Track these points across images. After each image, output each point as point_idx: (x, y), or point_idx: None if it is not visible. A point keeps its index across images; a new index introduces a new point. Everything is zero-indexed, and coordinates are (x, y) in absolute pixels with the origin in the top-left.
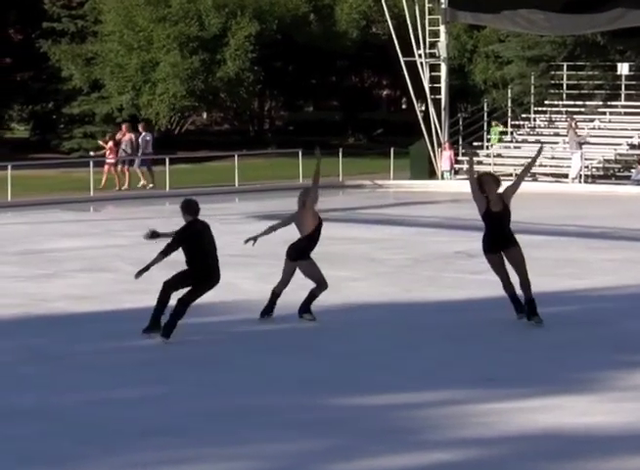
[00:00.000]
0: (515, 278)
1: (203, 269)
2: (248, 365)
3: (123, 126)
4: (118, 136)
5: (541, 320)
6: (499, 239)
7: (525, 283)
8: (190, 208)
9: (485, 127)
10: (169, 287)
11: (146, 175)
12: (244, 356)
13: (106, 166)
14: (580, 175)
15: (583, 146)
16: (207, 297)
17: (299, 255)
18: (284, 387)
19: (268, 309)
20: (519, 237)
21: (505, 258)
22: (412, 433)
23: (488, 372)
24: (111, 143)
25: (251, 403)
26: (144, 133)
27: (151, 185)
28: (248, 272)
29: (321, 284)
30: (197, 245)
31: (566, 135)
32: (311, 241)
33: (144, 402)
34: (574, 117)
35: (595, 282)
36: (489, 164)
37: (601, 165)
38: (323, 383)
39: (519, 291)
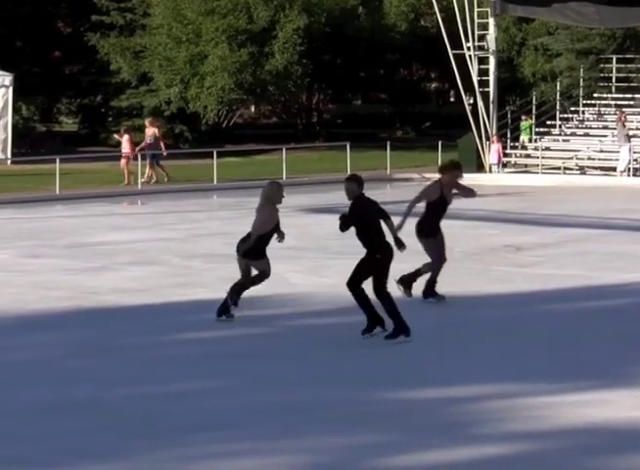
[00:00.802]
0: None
1: (380, 244)
2: (297, 359)
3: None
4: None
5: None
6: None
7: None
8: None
9: (534, 120)
10: (356, 285)
11: (156, 170)
12: (293, 350)
13: (122, 161)
14: (629, 168)
15: (632, 139)
16: (257, 290)
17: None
18: (334, 381)
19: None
20: (568, 231)
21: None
22: (462, 427)
23: (538, 365)
24: (127, 136)
25: (301, 397)
26: (151, 128)
27: (153, 180)
28: (297, 266)
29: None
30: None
31: (614, 128)
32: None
33: (195, 396)
34: (624, 110)
35: None
36: (537, 158)
37: None
38: (373, 377)
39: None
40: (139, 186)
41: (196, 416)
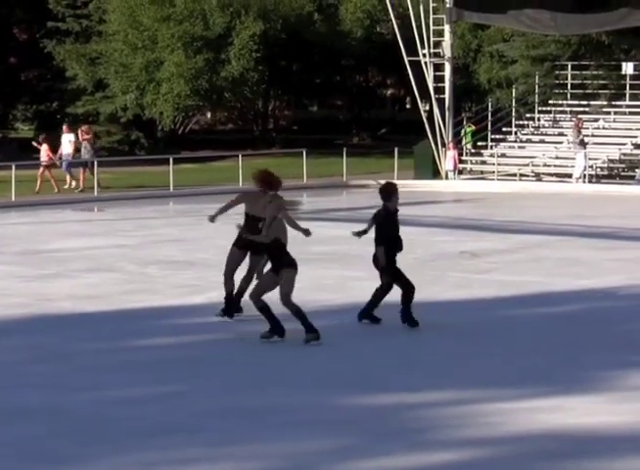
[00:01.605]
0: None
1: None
2: (259, 364)
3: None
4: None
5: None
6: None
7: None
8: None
9: (489, 127)
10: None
11: (73, 177)
12: (256, 355)
13: (40, 169)
14: (584, 175)
15: (587, 146)
16: (213, 297)
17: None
18: (296, 386)
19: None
20: (524, 237)
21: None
22: (418, 433)
23: (493, 372)
24: (45, 145)
25: (262, 403)
26: (68, 135)
27: (73, 185)
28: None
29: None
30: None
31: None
32: None
33: (154, 402)
34: (580, 116)
35: (601, 282)
36: (493, 164)
37: (605, 165)
38: (327, 382)
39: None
40: (95, 193)
41: (153, 421)
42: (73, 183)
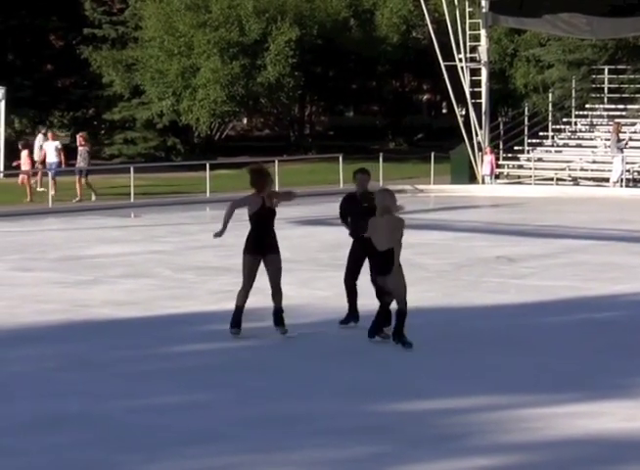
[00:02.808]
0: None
1: None
2: (291, 371)
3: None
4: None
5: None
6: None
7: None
8: None
9: (526, 132)
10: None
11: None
12: (287, 363)
13: (21, 177)
14: (622, 179)
15: (625, 150)
16: (250, 303)
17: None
18: (328, 393)
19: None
20: (562, 242)
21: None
22: (455, 439)
23: (530, 377)
24: (26, 151)
25: (294, 410)
26: (54, 142)
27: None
28: (289, 278)
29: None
30: None
31: (607, 139)
32: None
33: (187, 409)
34: (618, 120)
35: (639, 286)
36: (530, 169)
37: None
38: (367, 389)
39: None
40: (132, 199)
41: (189, 429)
42: (53, 192)
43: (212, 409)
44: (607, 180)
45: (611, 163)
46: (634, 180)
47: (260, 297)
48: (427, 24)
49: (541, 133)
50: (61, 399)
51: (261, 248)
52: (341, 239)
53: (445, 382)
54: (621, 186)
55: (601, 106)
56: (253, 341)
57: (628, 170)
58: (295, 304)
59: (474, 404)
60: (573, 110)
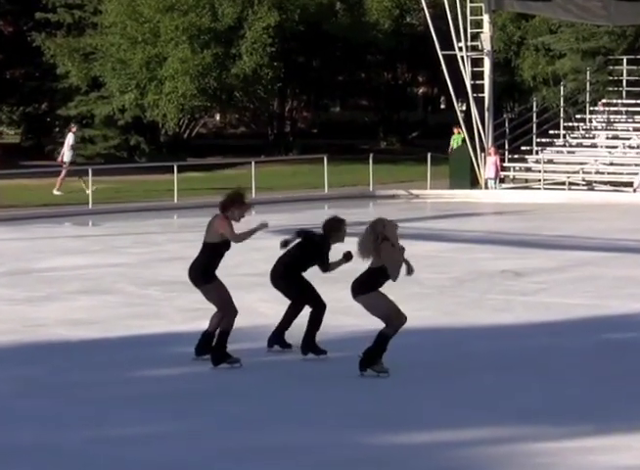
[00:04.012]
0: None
1: None
2: (278, 398)
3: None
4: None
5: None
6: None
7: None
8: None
9: (534, 130)
10: None
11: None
12: (273, 388)
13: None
14: None
15: None
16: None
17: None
18: (320, 422)
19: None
20: (574, 254)
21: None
22: None
23: (542, 406)
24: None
25: (284, 440)
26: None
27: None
28: (267, 294)
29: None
30: None
31: (626, 138)
32: None
33: (157, 440)
34: None
35: None
36: (539, 172)
37: None
38: (362, 418)
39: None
40: (90, 205)
41: (159, 462)
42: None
43: (185, 440)
44: (626, 185)
45: (630, 165)
46: None
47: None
48: (422, 9)
49: (551, 131)
50: (12, 429)
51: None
52: None
53: (447, 410)
54: None
55: (619, 100)
56: (229, 365)
57: None
58: (272, 323)
59: (478, 435)
60: (588, 105)
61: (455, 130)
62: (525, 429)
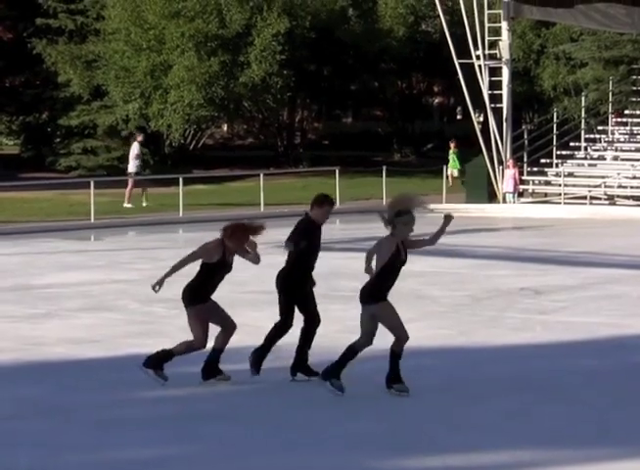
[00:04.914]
0: None
1: None
2: (281, 420)
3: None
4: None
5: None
6: None
7: None
8: None
9: (555, 141)
10: None
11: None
12: (275, 410)
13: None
14: None
15: None
16: (230, 342)
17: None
18: (326, 445)
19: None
20: (596, 271)
21: None
22: None
23: (561, 430)
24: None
25: (289, 465)
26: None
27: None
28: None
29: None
30: None
31: None
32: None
33: (161, 464)
34: None
35: None
36: (559, 185)
37: None
38: (372, 441)
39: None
40: (92, 219)
41: None
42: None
43: (185, 464)
44: None
45: None
46: None
47: (242, 335)
48: (438, 15)
49: (572, 144)
50: (9, 452)
51: None
52: (337, 266)
53: (461, 433)
54: None
55: None
56: (227, 386)
57: None
58: (281, 343)
59: (494, 461)
60: (610, 116)
61: (451, 145)
62: (541, 453)
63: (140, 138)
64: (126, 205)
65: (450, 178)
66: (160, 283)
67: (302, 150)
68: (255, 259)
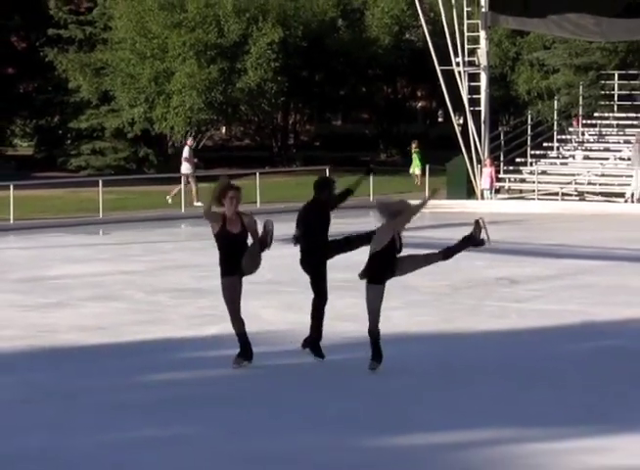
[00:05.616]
0: None
1: None
2: (277, 403)
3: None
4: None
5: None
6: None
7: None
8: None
9: (529, 142)
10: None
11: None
12: (272, 393)
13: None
14: (632, 194)
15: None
16: (231, 328)
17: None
18: (319, 427)
19: None
20: (568, 262)
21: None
22: None
23: (535, 409)
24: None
25: (282, 445)
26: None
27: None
28: (271, 301)
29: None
30: None
31: (617, 150)
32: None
33: (164, 445)
34: None
35: None
36: (533, 183)
37: None
38: (361, 422)
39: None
40: (100, 215)
41: (168, 467)
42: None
43: (190, 445)
44: (617, 195)
45: (621, 176)
46: None
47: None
48: (421, 25)
49: (545, 144)
50: (21, 435)
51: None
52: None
53: (444, 415)
54: (632, 202)
55: (610, 114)
56: (229, 371)
57: None
58: (275, 329)
59: (472, 439)
60: (581, 118)
61: (413, 145)
62: (518, 433)
63: (190, 142)
64: (196, 203)
65: (415, 177)
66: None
67: (295, 150)
68: (264, 239)
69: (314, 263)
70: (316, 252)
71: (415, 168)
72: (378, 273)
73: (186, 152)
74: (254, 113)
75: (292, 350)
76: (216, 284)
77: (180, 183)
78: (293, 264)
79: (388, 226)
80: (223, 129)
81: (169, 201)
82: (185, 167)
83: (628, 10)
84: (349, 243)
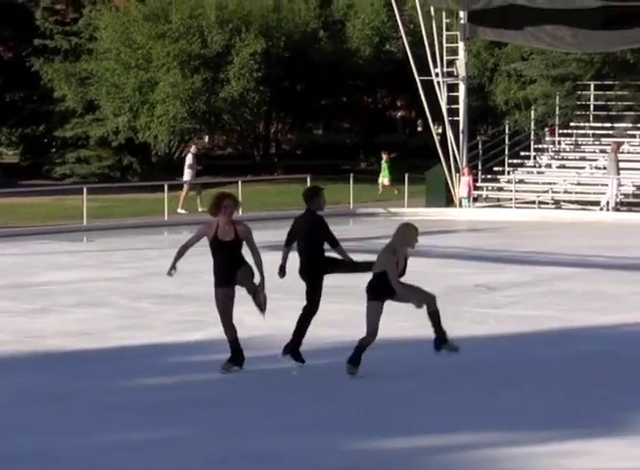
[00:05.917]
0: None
1: None
2: (262, 406)
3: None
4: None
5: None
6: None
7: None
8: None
9: (506, 151)
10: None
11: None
12: (256, 397)
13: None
14: (607, 202)
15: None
16: (213, 333)
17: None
18: (302, 429)
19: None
20: (544, 269)
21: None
22: None
23: (513, 413)
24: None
25: (268, 447)
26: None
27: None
28: (253, 307)
29: None
30: None
31: (593, 159)
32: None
33: (157, 446)
34: (619, 140)
35: (628, 317)
36: (510, 191)
37: (631, 192)
38: (344, 425)
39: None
40: (84, 222)
41: (160, 468)
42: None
43: (176, 447)
44: (593, 203)
45: (596, 185)
46: (621, 204)
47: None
48: (401, 37)
49: (523, 153)
50: (11, 437)
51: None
52: None
53: (423, 419)
54: (607, 210)
55: (586, 124)
56: (213, 375)
57: (624, 194)
58: (258, 335)
59: (453, 443)
60: (557, 128)
61: (384, 156)
62: (497, 436)
63: (193, 150)
64: (180, 210)
65: (380, 187)
66: (172, 267)
67: (277, 159)
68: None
69: (313, 274)
70: (317, 261)
71: (384, 178)
72: (375, 292)
73: (189, 159)
74: (237, 122)
75: (271, 355)
76: (199, 290)
77: (182, 190)
78: (276, 271)
79: (388, 249)
80: (206, 138)
81: (183, 212)
82: (187, 174)
83: (605, 23)
84: (356, 267)
